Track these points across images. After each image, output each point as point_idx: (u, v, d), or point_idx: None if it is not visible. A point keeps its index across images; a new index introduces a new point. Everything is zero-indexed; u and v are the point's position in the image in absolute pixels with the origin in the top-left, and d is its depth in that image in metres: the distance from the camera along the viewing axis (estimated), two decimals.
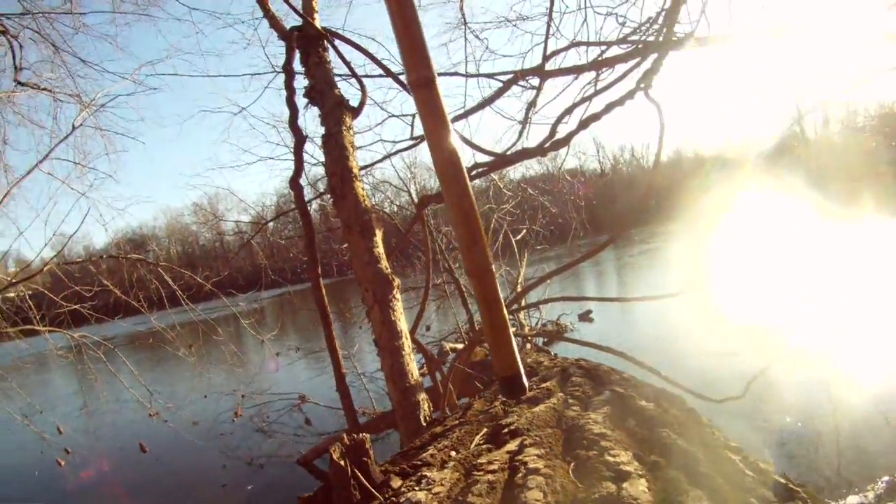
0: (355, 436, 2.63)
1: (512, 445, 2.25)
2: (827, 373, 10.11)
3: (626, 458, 2.04)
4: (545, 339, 16.62)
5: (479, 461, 2.23)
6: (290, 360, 16.57)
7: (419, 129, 7.94)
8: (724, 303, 10.25)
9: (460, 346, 12.46)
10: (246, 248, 17.89)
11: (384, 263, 4.79)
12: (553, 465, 2.06)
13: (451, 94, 26.65)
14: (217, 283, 12.52)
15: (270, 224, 16.20)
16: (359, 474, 2.45)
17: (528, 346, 15.67)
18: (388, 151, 10.62)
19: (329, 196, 5.83)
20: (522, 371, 1.83)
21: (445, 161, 1.59)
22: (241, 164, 15.22)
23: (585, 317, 18.62)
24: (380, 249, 4.86)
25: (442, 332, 16.44)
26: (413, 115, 6.99)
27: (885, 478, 7.30)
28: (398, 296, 4.79)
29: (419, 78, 1.57)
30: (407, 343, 4.76)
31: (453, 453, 2.44)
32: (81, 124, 10.58)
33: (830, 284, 14.07)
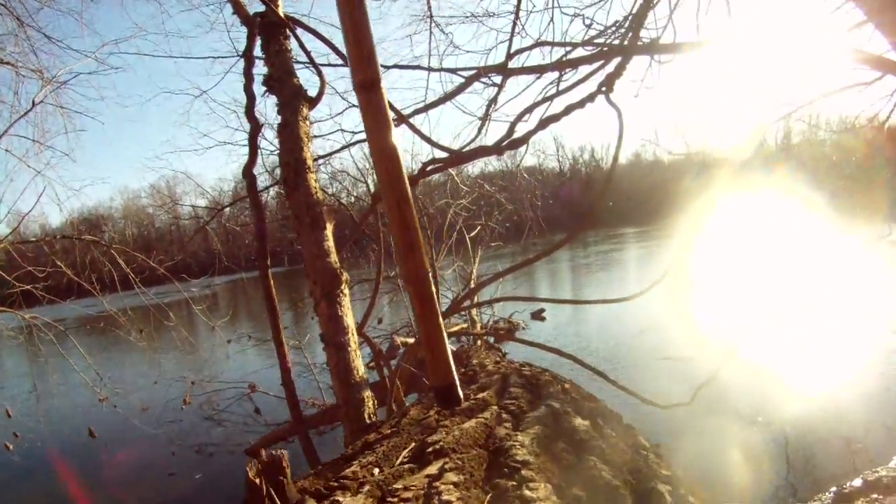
0: (273, 453, 2.58)
1: (433, 468, 2.20)
2: (777, 380, 10.29)
3: (544, 494, 1.99)
4: (500, 329, 16.71)
5: (395, 486, 2.17)
6: (241, 348, 16.37)
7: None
8: (681, 305, 10.37)
9: (411, 340, 12.45)
10: (201, 232, 17.68)
11: (333, 257, 4.73)
12: (468, 498, 2.01)
13: (413, 87, 26.70)
14: (171, 268, 12.34)
15: (227, 210, 16.01)
16: (274, 495, 2.40)
17: (479, 342, 15.72)
18: (347, 141, 10.52)
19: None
20: (457, 381, 1.81)
21: (386, 166, 1.55)
22: (199, 148, 15.00)
23: (538, 315, 18.72)
24: (330, 243, 4.80)
25: (394, 324, 16.41)
26: None
27: (833, 488, 7.42)
28: (346, 291, 4.74)
29: (364, 79, 1.52)
30: (353, 339, 4.71)
31: (376, 471, 2.40)
32: (42, 101, 10.33)
33: (784, 290, 14.32)
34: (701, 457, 8.48)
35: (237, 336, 17.78)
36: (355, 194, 20.08)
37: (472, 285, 16.88)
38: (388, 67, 7.98)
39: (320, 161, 14.68)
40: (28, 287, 10.72)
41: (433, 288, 1.69)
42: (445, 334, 1.75)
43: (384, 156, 1.54)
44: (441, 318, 1.72)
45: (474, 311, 14.63)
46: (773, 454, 8.42)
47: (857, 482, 7.40)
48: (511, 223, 18.35)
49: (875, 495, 7.06)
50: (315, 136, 11.27)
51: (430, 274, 1.68)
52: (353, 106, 8.86)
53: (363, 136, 9.09)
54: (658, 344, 13.41)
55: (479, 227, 17.82)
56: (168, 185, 59.12)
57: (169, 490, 10.35)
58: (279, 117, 5.43)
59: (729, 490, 7.65)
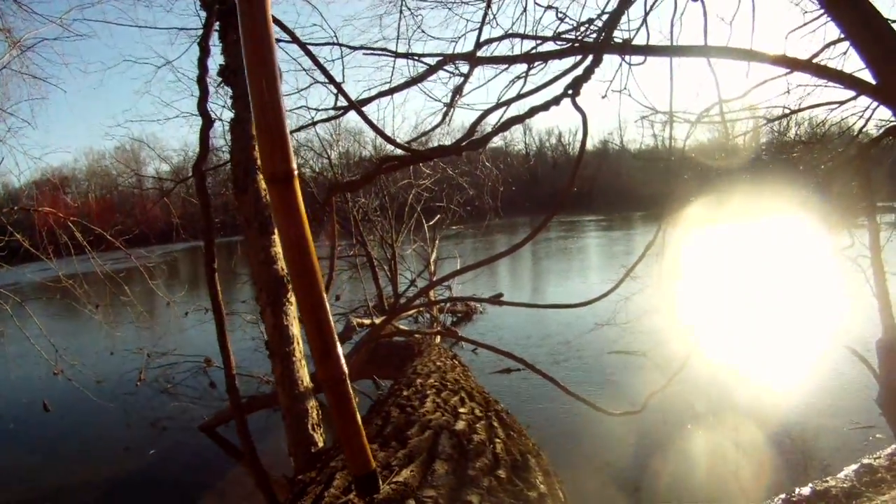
0: None
1: None
2: (730, 385, 10.38)
3: None
4: (450, 327, 16.69)
5: None
6: (199, 321, 16.13)
7: (343, 101, 7.69)
8: (643, 302, 10.40)
9: (367, 321, 12.39)
10: (164, 199, 17.36)
11: (280, 264, 4.58)
12: None
13: (380, 67, 26.25)
14: (132, 237, 12.12)
15: (190, 179, 15.71)
16: None
17: (436, 325, 15.71)
18: (312, 118, 10.30)
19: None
20: (376, 469, 1.73)
21: (300, 269, 1.44)
22: (162, 118, 14.65)
23: (496, 299, 18.66)
24: (276, 249, 4.65)
25: (352, 302, 16.26)
26: (339, 84, 6.71)
27: (782, 495, 7.51)
28: (292, 299, 4.60)
29: (276, 172, 1.38)
30: (299, 349, 4.59)
31: None
32: (5, 66, 9.92)
33: (741, 297, 14.44)
34: (648, 461, 8.55)
35: (194, 308, 17.51)
36: (317, 168, 19.89)
37: (432, 268, 16.87)
38: (354, 48, 7.81)
39: None
40: None
41: (349, 388, 1.60)
42: (362, 427, 1.66)
43: (299, 259, 1.42)
44: (357, 414, 1.63)
45: (432, 293, 14.53)
46: (722, 458, 8.49)
47: (806, 490, 7.51)
48: (472, 207, 18.27)
49: None
50: None
51: (346, 377, 1.58)
52: (319, 83, 8.67)
53: (327, 114, 8.92)
54: (613, 341, 13.49)
55: (439, 213, 17.77)
56: (133, 150, 57.96)
57: (123, 465, 10.22)
58: (233, 111, 5.22)
59: (677, 494, 7.71)
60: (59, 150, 64.26)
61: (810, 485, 7.64)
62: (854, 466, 7.99)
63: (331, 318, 1.51)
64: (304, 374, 4.61)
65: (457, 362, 7.01)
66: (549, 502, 2.13)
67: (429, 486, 1.90)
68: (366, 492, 1.79)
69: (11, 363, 12.48)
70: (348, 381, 1.59)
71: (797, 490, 7.54)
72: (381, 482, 1.84)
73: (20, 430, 12.03)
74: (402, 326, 13.57)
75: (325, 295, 1.47)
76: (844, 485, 7.55)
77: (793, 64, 5.28)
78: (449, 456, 2.27)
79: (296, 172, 1.41)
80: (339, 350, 1.56)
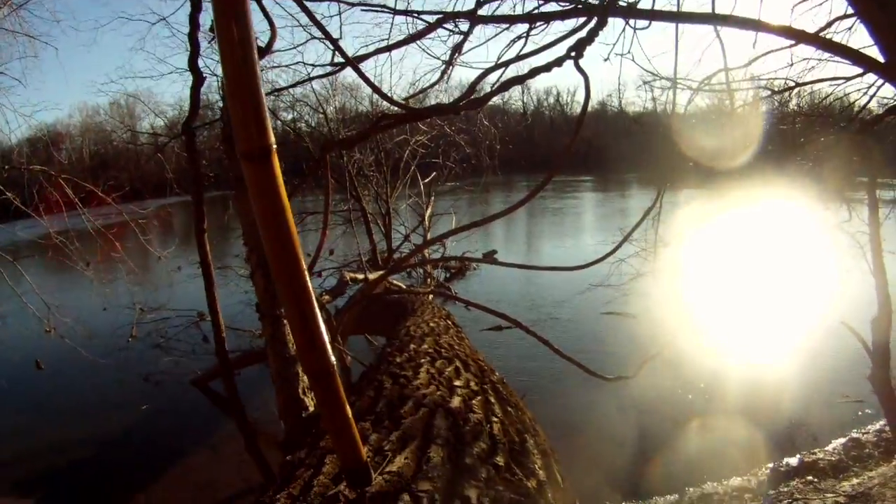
0: None
1: None
2: (724, 354, 10.34)
3: None
4: (443, 283, 16.63)
5: None
6: (192, 275, 15.98)
7: (340, 58, 7.51)
8: (639, 266, 10.31)
9: (360, 276, 12.30)
10: (158, 154, 17.16)
11: None
12: None
13: (378, 23, 25.71)
14: (126, 192, 11.96)
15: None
16: None
17: (429, 281, 15.64)
18: (308, 73, 10.11)
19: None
20: (366, 460, 1.65)
21: (280, 254, 1.31)
22: (156, 74, 14.48)
23: (490, 257, 18.55)
24: None
25: (346, 256, 16.14)
26: (336, 40, 6.52)
27: (770, 464, 7.53)
28: None
29: (252, 149, 1.24)
30: None
31: None
32: None
33: (736, 269, 14.35)
34: (638, 427, 8.56)
35: (188, 262, 17.39)
36: (313, 123, 19.64)
37: (427, 224, 16.74)
38: (352, 5, 7.59)
39: (280, 93, 14.25)
40: None
41: (338, 381, 1.48)
42: (352, 418, 1.56)
43: (277, 242, 1.29)
44: (347, 406, 1.52)
45: (426, 251, 14.42)
46: (712, 427, 8.50)
47: (794, 461, 7.53)
48: (468, 164, 18.09)
49: (810, 477, 7.17)
50: (274, 67, 10.85)
51: (334, 370, 1.47)
52: (315, 38, 8.46)
53: (323, 70, 8.76)
54: (606, 303, 13.44)
55: (436, 169, 17.61)
56: (127, 105, 57.31)
57: (115, 421, 10.28)
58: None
59: (666, 460, 7.73)
60: (50, 108, 63.21)
61: (798, 455, 7.67)
62: (842, 440, 8.04)
63: (316, 306, 1.39)
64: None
65: (450, 322, 6.93)
66: (547, 491, 2.03)
67: (424, 476, 1.80)
68: (357, 483, 1.69)
69: (3, 322, 12.36)
70: (336, 374, 1.48)
71: (785, 460, 7.57)
72: (373, 473, 1.74)
73: (12, 389, 11.97)
74: (395, 282, 13.49)
75: (309, 282, 1.35)
76: (832, 458, 7.61)
77: (799, 36, 5.11)
78: (445, 440, 2.16)
79: (274, 147, 1.27)
80: (326, 340, 1.44)
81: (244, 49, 1.18)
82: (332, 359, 1.46)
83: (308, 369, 1.48)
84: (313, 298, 1.37)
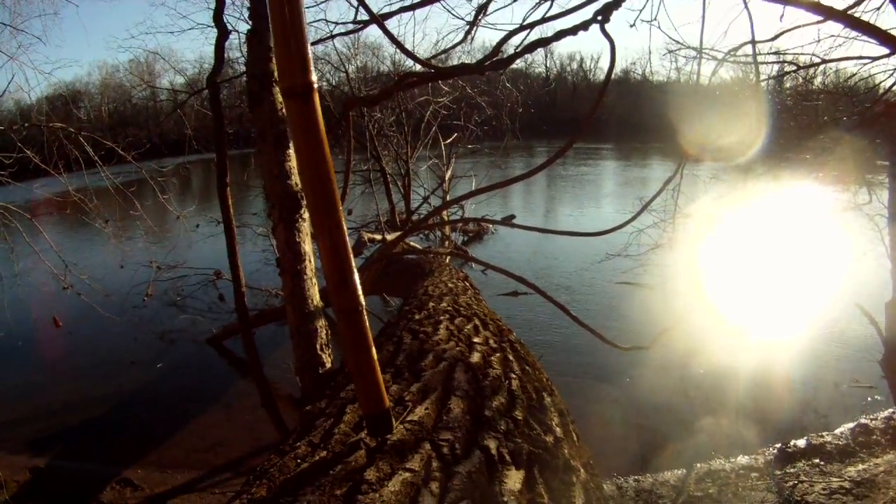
0: None
1: None
2: (735, 332, 10.27)
3: None
4: (461, 246, 16.65)
5: None
6: (211, 233, 16.01)
7: (364, 14, 7.47)
8: (655, 236, 10.23)
9: (378, 236, 12.34)
10: (178, 110, 17.09)
11: (295, 179, 4.45)
12: None
13: None
14: (146, 148, 11.96)
15: (205, 91, 15.49)
16: None
17: (447, 243, 15.66)
18: (330, 31, 10.05)
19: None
20: (389, 408, 1.66)
21: (318, 189, 1.32)
22: (177, 30, 14.39)
23: (508, 221, 18.51)
24: (292, 163, 4.51)
25: (364, 216, 16.14)
26: None
27: (778, 444, 7.53)
28: (306, 215, 4.49)
29: (295, 85, 1.25)
30: (310, 266, 4.49)
31: None
32: None
33: (751, 248, 14.23)
34: (648, 401, 8.57)
35: (207, 221, 17.38)
36: (334, 82, 19.51)
37: (446, 186, 16.71)
38: None
39: None
40: None
41: (365, 319, 1.49)
42: (377, 362, 1.57)
43: (316, 179, 1.31)
44: (373, 348, 1.53)
45: (445, 214, 14.41)
46: (722, 403, 8.49)
47: (802, 442, 7.53)
48: (490, 127, 17.98)
49: (817, 460, 7.18)
50: None
51: (363, 308, 1.48)
52: None
53: (345, 28, 8.70)
54: (623, 272, 13.37)
55: (456, 131, 17.53)
56: (147, 62, 57.23)
57: (131, 379, 10.31)
58: (249, 22, 5.03)
59: (675, 435, 7.75)
60: (69, 65, 63.16)
61: (806, 438, 7.66)
62: (851, 425, 7.99)
63: (348, 243, 1.41)
64: (314, 293, 4.51)
65: (468, 284, 6.95)
66: (564, 447, 2.04)
67: (444, 426, 1.81)
68: (378, 431, 1.69)
69: (20, 279, 12.44)
70: (365, 312, 1.49)
71: (793, 441, 7.57)
72: (394, 421, 1.76)
73: (30, 346, 12.05)
74: (413, 243, 13.52)
75: (342, 218, 1.36)
76: (839, 441, 7.57)
77: (828, 12, 5.01)
78: (465, 393, 2.17)
79: (315, 86, 1.28)
80: (357, 278, 1.46)
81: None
82: (362, 298, 1.47)
83: (339, 306, 1.49)
84: (346, 234, 1.38)
